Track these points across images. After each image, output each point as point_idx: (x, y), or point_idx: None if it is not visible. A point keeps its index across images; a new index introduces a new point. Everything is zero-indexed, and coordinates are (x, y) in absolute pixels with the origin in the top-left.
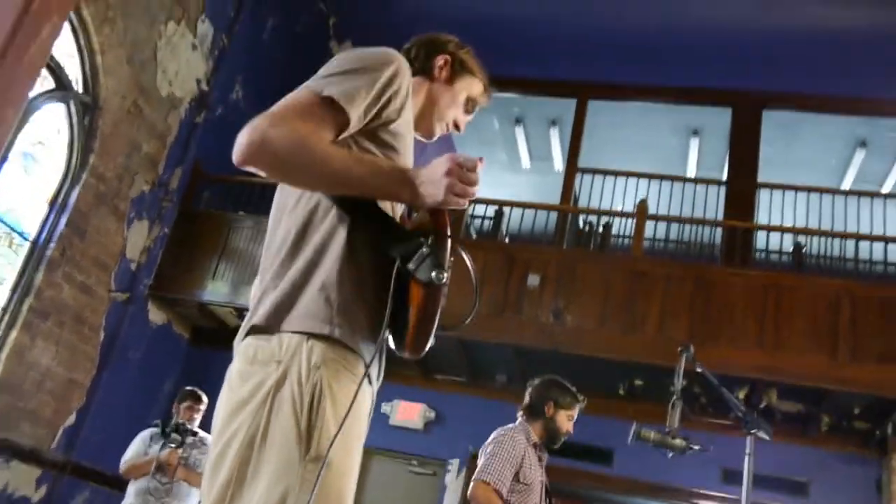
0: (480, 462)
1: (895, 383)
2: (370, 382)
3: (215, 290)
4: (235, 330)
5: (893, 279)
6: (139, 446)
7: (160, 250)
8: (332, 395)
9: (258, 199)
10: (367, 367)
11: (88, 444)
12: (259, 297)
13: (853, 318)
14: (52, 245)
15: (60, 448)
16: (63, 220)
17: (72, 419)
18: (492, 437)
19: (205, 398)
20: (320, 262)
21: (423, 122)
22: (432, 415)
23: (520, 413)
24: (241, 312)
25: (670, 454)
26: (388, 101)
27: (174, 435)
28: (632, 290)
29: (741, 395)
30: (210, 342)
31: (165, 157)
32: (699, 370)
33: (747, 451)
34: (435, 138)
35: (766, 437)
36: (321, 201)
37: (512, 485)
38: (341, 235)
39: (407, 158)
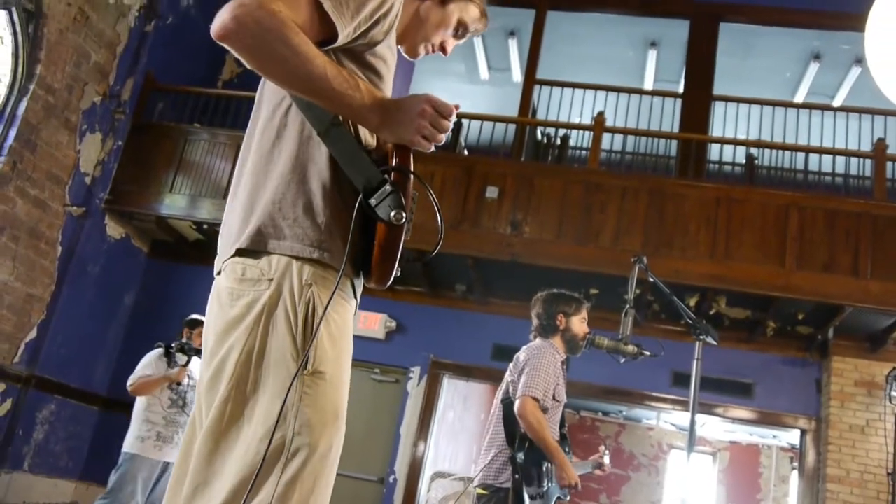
0: (523, 377)
1: (838, 290)
2: (355, 297)
3: (173, 204)
4: (194, 243)
5: (839, 191)
6: (150, 365)
7: (115, 163)
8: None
9: (213, 111)
10: (353, 285)
11: (51, 357)
12: (241, 216)
13: (800, 228)
14: (1, 159)
15: (23, 362)
16: (12, 133)
17: (33, 333)
18: (527, 352)
19: None
20: (302, 182)
21: (408, 39)
22: (393, 324)
23: (532, 335)
24: (199, 225)
25: (623, 360)
26: (377, 22)
27: (179, 354)
28: (588, 201)
29: (692, 302)
30: (169, 255)
31: (116, 68)
32: (652, 279)
33: (696, 355)
34: (419, 58)
35: (714, 342)
36: (296, 114)
37: None
38: (323, 155)
39: (388, 84)
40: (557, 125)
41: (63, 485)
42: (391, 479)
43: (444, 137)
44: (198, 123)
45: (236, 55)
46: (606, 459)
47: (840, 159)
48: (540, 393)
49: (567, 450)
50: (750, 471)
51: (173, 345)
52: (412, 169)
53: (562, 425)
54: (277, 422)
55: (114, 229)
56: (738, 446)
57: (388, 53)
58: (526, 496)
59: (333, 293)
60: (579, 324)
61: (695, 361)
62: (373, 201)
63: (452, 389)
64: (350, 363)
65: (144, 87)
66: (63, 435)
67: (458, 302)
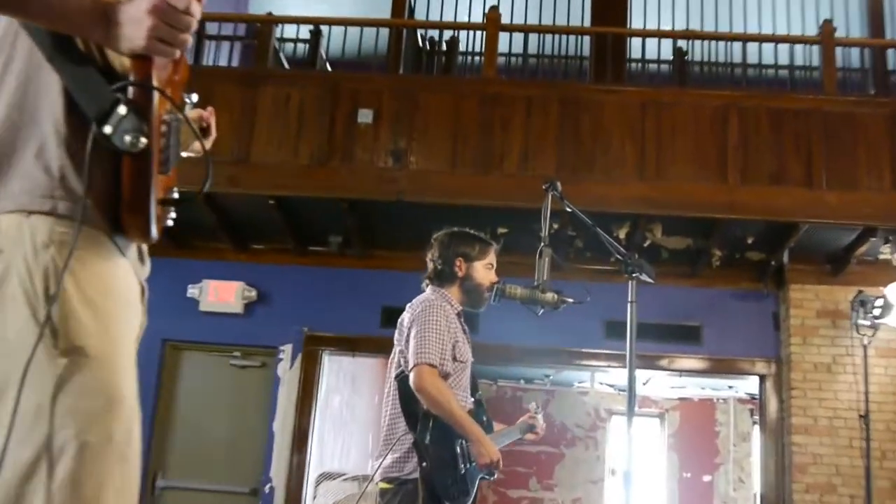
0: (410, 343)
1: (790, 205)
2: (122, 254)
3: None
4: None
5: (785, 86)
6: None
7: None
8: (72, 273)
9: None
10: (113, 239)
11: None
12: None
13: (742, 134)
14: None
15: None
16: None
17: None
18: (410, 311)
19: None
20: (32, 122)
21: None
22: (253, 294)
23: (425, 284)
24: None
25: (540, 311)
26: None
27: None
28: (486, 119)
29: (621, 234)
30: None
31: None
32: (569, 209)
33: (630, 297)
34: None
35: (650, 280)
36: (24, 41)
37: None
38: (55, 86)
39: None
40: (441, 26)
41: None
42: (267, 489)
43: (187, 38)
44: None
45: None
46: (540, 420)
47: (783, 49)
48: (435, 357)
49: (484, 419)
50: (705, 431)
51: None
52: (154, 83)
53: (474, 390)
54: (30, 419)
55: None
56: (690, 403)
57: None
58: (437, 485)
59: (72, 251)
60: (484, 271)
61: (629, 305)
62: (108, 129)
63: (336, 368)
64: (131, 331)
65: None
66: None
67: (333, 258)
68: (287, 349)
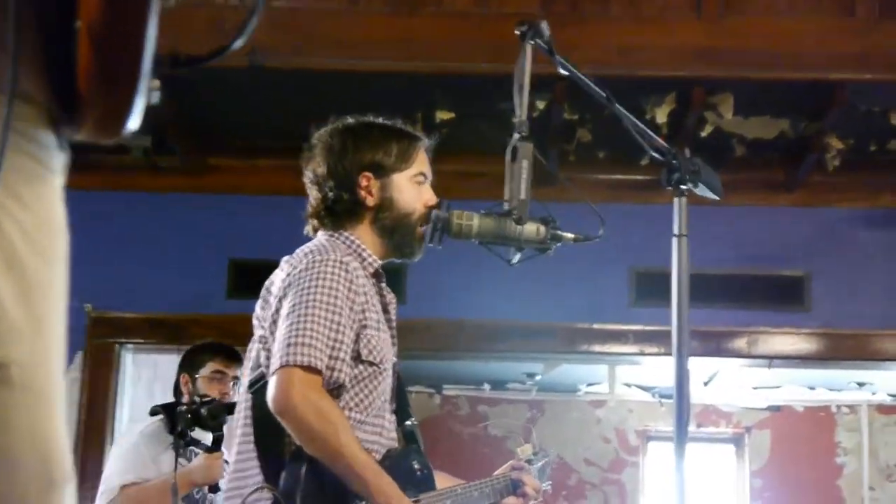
0: (279, 328)
1: None
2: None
3: None
4: None
5: None
6: (138, 457)
7: None
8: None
9: None
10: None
11: None
12: None
13: None
14: None
15: None
16: None
17: None
18: (287, 268)
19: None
20: None
21: None
22: None
23: (309, 226)
24: None
25: (516, 255)
26: None
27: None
28: None
29: (661, 114)
30: None
31: None
32: (566, 72)
33: (677, 229)
34: None
35: (714, 196)
36: None
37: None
38: None
39: None
40: None
41: None
42: None
43: None
44: None
45: None
46: (534, 475)
47: None
48: (319, 354)
49: (416, 466)
50: (818, 463)
51: (183, 406)
52: None
53: (403, 414)
54: None
55: None
56: (789, 415)
57: None
58: None
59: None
60: (411, 188)
61: (676, 241)
62: None
63: (148, 376)
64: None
65: None
66: None
67: (137, 176)
68: None
